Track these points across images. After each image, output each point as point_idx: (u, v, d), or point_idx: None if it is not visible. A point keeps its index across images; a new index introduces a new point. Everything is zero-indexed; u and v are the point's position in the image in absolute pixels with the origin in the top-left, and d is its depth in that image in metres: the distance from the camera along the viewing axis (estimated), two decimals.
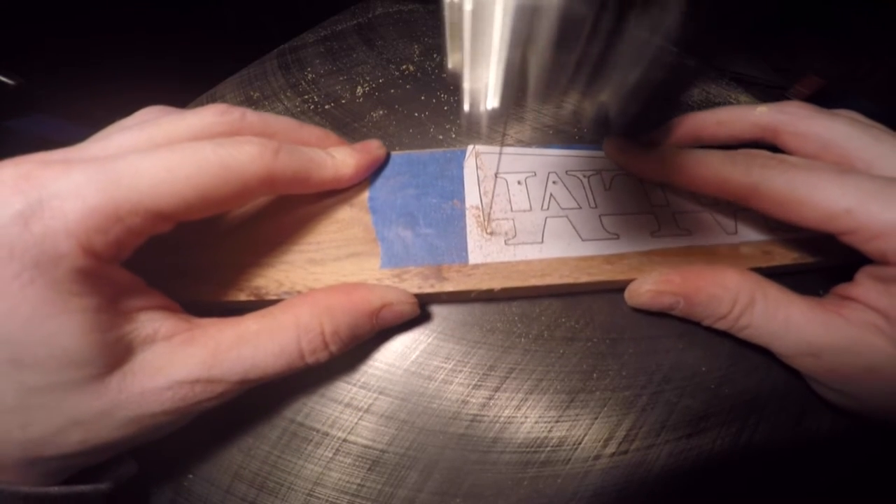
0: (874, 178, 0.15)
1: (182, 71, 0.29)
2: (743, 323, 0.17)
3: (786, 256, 0.19)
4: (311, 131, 0.19)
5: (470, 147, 0.20)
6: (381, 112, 0.24)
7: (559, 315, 0.19)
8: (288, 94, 0.26)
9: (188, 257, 0.18)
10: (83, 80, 0.33)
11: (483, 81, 0.11)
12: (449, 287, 0.18)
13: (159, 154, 0.13)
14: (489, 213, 0.19)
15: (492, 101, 0.12)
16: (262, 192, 0.16)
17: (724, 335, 0.19)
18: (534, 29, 0.10)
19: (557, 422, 0.18)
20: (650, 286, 0.18)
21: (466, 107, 0.12)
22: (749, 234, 0.19)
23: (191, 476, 0.18)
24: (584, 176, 0.20)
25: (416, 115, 0.24)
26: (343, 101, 0.25)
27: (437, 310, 0.19)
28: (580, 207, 0.19)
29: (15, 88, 0.33)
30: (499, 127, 0.21)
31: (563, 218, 0.19)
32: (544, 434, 0.18)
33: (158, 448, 0.18)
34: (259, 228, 0.18)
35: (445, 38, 0.11)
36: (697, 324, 0.19)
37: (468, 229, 0.19)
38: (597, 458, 0.17)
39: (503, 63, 0.11)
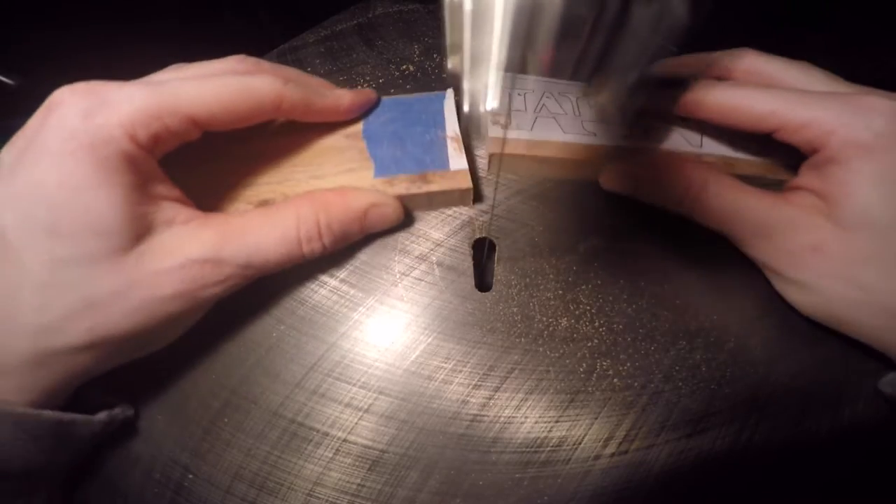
0: (795, 90, 0.19)
1: None
2: (700, 204, 0.19)
3: (746, 169, 0.21)
4: (316, 79, 0.22)
5: (449, 90, 0.24)
6: None
7: (559, 315, 0.19)
8: None
9: (202, 176, 0.20)
10: (83, 80, 0.33)
11: (483, 81, 0.11)
12: (434, 188, 0.20)
13: (194, 79, 0.17)
14: (480, 120, 0.23)
15: (492, 101, 0.12)
16: (273, 113, 0.19)
17: (725, 336, 0.19)
18: (534, 28, 0.10)
19: (557, 422, 0.18)
20: (620, 168, 0.21)
21: (466, 107, 0.12)
22: (714, 148, 0.22)
23: (191, 476, 0.18)
24: (574, 97, 0.24)
25: None
26: None
27: (437, 310, 0.19)
28: (566, 114, 0.23)
29: (15, 88, 0.33)
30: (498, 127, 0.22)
31: (552, 119, 0.23)
32: (544, 434, 0.18)
33: (159, 448, 0.18)
34: (268, 156, 0.21)
35: (445, 38, 0.11)
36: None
37: (449, 150, 0.22)
38: (597, 458, 0.17)
39: (503, 63, 0.11)
